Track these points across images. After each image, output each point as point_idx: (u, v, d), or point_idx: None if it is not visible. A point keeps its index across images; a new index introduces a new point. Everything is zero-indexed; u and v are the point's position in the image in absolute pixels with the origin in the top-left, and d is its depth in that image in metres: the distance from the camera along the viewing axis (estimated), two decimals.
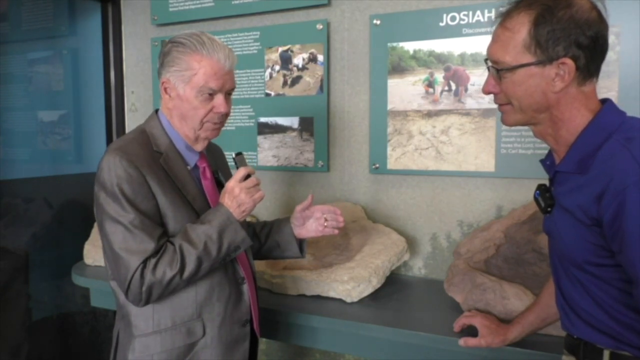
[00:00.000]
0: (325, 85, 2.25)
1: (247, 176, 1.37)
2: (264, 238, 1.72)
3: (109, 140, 2.86)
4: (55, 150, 2.96)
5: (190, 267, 1.27)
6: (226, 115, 1.42)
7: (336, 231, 1.65)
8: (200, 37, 1.36)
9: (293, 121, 2.33)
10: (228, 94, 1.42)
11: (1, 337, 2.51)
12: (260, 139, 2.41)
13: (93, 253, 2.31)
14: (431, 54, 2.04)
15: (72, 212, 2.90)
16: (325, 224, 1.64)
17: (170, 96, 1.39)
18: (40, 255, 2.81)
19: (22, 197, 2.82)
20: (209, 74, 1.34)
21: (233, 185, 1.35)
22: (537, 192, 1.17)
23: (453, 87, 2.01)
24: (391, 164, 2.14)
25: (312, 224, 1.65)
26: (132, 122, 2.80)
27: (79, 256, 2.37)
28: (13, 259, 2.63)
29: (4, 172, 2.87)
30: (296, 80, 2.31)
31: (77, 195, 2.90)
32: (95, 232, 2.43)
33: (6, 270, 2.57)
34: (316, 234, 1.65)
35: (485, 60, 1.13)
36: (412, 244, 2.13)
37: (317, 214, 1.64)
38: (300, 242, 1.70)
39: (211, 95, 1.37)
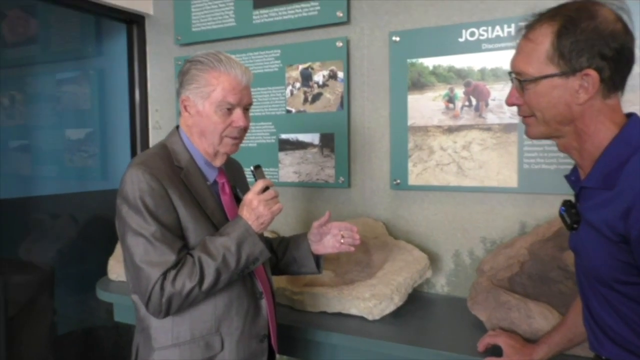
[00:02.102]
0: (345, 101, 2.25)
1: (266, 188, 1.37)
2: (282, 253, 1.71)
3: (133, 157, 2.89)
4: (81, 167, 3.02)
5: (209, 279, 1.27)
6: (245, 129, 1.44)
7: (352, 248, 1.63)
8: (218, 55, 1.40)
9: (314, 137, 2.33)
10: (246, 109, 1.44)
11: (27, 350, 2.53)
12: (281, 155, 2.41)
13: (117, 268, 2.33)
14: (451, 69, 2.02)
15: (97, 227, 2.94)
16: (342, 240, 1.62)
17: (190, 113, 1.41)
18: (66, 270, 2.85)
19: (49, 213, 2.87)
20: (227, 89, 1.37)
21: (251, 197, 1.35)
22: (563, 208, 1.14)
23: (474, 102, 1.99)
24: (412, 180, 2.11)
25: (329, 240, 1.64)
26: (155, 140, 2.84)
27: (103, 271, 2.39)
28: (39, 274, 2.67)
29: (33, 189, 2.93)
30: (317, 97, 2.31)
31: (102, 211, 2.94)
32: (119, 248, 2.45)
33: (33, 285, 2.61)
34: (333, 250, 1.64)
35: (510, 73, 1.11)
36: (434, 261, 2.09)
37: (334, 231, 1.63)
38: (317, 258, 1.68)
39: (229, 110, 1.39)
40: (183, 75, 1.41)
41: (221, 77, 1.37)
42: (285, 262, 1.70)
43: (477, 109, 1.99)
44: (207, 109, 1.38)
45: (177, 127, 1.48)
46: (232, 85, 1.37)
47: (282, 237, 1.77)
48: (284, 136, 2.40)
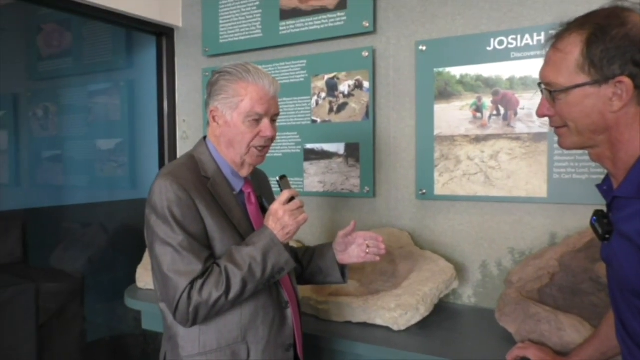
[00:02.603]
0: (371, 111, 2.25)
1: (291, 199, 1.38)
2: (307, 263, 1.71)
3: (161, 167, 2.94)
4: (111, 177, 3.08)
5: (235, 289, 1.28)
6: (272, 139, 1.45)
7: (377, 258, 1.63)
8: (246, 66, 1.42)
9: (339, 147, 2.33)
10: (273, 120, 1.45)
11: (58, 357, 2.58)
12: (306, 165, 2.43)
13: (145, 277, 2.36)
14: (478, 78, 2.01)
15: (125, 236, 2.99)
16: (367, 250, 1.62)
17: (218, 124, 1.43)
18: (96, 278, 2.91)
19: (80, 222, 2.94)
20: (255, 99, 1.38)
21: (277, 207, 1.36)
22: (594, 218, 1.11)
23: (502, 111, 1.97)
24: (438, 190, 2.10)
25: (354, 250, 1.64)
26: (183, 150, 2.88)
27: (132, 279, 2.43)
28: (70, 282, 2.73)
29: (65, 198, 3.00)
30: (342, 106, 2.32)
31: (131, 221, 2.99)
32: (147, 256, 2.48)
33: (64, 292, 2.66)
34: (358, 260, 1.63)
35: (539, 84, 1.10)
36: (461, 272, 2.07)
37: (359, 240, 1.63)
38: (343, 268, 1.68)
39: (257, 120, 1.40)
40: (212, 86, 1.43)
41: (249, 88, 1.39)
42: (310, 272, 1.71)
43: (505, 118, 1.97)
44: (235, 119, 1.40)
45: (204, 137, 1.50)
46: (260, 95, 1.39)
47: (307, 246, 1.78)
48: (309, 146, 2.42)
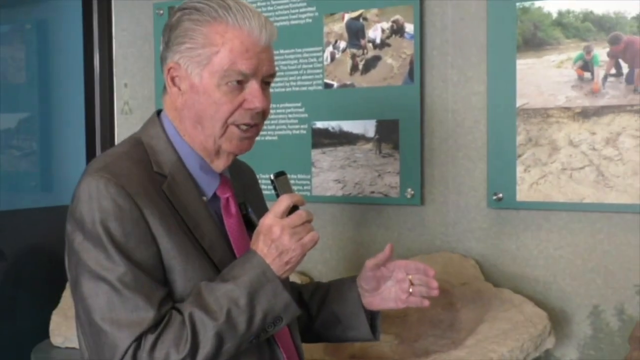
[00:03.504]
0: (417, 70, 2.24)
1: (293, 208, 1.37)
2: (316, 309, 1.71)
3: (91, 156, 2.95)
4: (11, 173, 3.08)
5: (206, 348, 1.27)
6: (264, 113, 1.45)
7: (426, 302, 1.62)
8: (224, 0, 1.40)
9: (367, 126, 2.34)
10: (266, 83, 1.45)
11: None
12: (316, 154, 2.43)
13: (64, 328, 2.36)
14: (587, 17, 2.00)
15: (34, 265, 2.99)
16: (411, 289, 1.61)
17: (179, 88, 1.43)
18: None
19: None
20: (237, 50, 1.37)
21: (271, 222, 1.35)
22: None
23: (625, 69, 1.96)
24: (523, 194, 2.10)
25: (390, 289, 1.63)
26: (124, 130, 2.88)
27: (44, 332, 2.44)
28: None
29: None
30: (372, 62, 2.32)
31: (43, 240, 2.99)
32: (67, 297, 2.49)
33: None
34: (396, 304, 1.63)
35: None
36: (559, 323, 2.07)
37: (398, 275, 1.62)
38: (372, 317, 1.68)
39: (240, 83, 1.39)
40: (170, 31, 1.42)
41: (228, 33, 1.37)
42: (322, 323, 1.71)
43: (630, 80, 1.96)
44: (206, 81, 1.38)
45: (159, 112, 1.50)
46: (245, 45, 1.38)
47: (317, 283, 1.78)
48: (320, 124, 2.42)
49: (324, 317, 1.71)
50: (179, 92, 1.43)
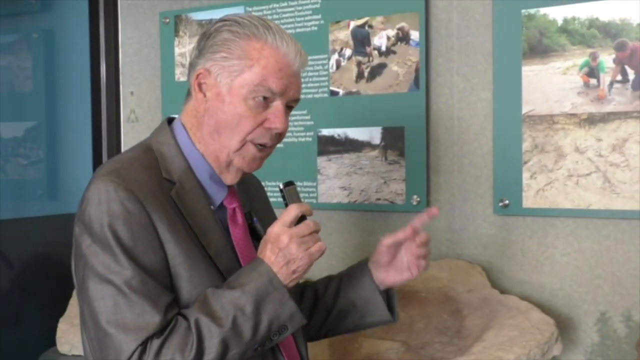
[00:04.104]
0: (422, 77, 2.25)
1: (301, 218, 1.37)
2: (332, 301, 1.71)
3: (97, 164, 2.94)
4: (18, 181, 3.08)
5: (211, 355, 1.27)
6: (281, 135, 1.46)
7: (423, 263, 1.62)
8: (266, 21, 1.42)
9: (372, 134, 2.34)
10: (288, 107, 1.46)
11: None
12: (321, 161, 2.44)
13: (71, 336, 2.36)
14: (592, 24, 2.01)
15: (40, 273, 2.99)
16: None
17: (205, 95, 1.43)
18: None
19: None
20: (270, 68, 1.39)
21: (279, 231, 1.35)
22: None
23: (631, 75, 1.97)
24: (529, 200, 2.10)
25: (402, 258, 1.62)
26: (130, 138, 2.90)
27: (50, 340, 2.44)
28: None
29: None
30: (377, 70, 2.33)
31: (50, 248, 2.99)
32: (74, 305, 2.48)
33: None
34: (411, 273, 1.61)
35: None
36: (565, 329, 2.06)
37: (411, 246, 1.61)
38: (389, 298, 1.68)
39: (266, 100, 1.40)
40: (208, 39, 1.43)
41: (265, 51, 1.39)
42: (339, 312, 1.70)
43: (636, 86, 1.96)
44: (234, 92, 1.39)
45: (170, 120, 1.51)
46: (279, 64, 1.39)
47: (329, 276, 1.77)
48: (325, 132, 2.43)
49: (340, 306, 1.70)
50: (203, 98, 1.44)
